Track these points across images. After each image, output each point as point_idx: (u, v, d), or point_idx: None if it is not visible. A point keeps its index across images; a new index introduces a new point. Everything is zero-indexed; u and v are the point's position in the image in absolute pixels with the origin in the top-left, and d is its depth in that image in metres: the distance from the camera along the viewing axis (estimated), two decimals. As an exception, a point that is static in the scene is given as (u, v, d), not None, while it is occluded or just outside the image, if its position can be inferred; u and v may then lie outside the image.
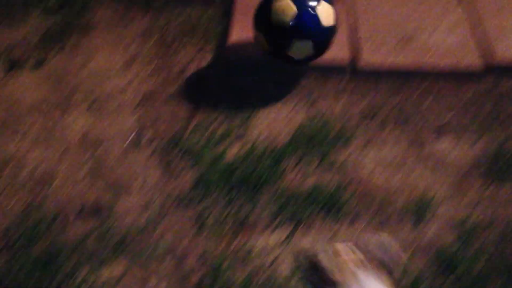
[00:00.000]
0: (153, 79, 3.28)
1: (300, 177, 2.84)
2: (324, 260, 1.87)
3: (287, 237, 2.65)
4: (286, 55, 3.09)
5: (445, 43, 3.32)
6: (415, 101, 3.17)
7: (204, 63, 3.35)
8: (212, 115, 3.10)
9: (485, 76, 3.23)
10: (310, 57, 3.13)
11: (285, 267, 2.57)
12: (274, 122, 3.08)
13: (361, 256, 1.86)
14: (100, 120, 3.10)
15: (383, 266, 1.85)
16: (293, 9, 3.01)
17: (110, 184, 2.84)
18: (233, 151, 2.95)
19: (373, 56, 3.27)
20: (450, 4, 3.54)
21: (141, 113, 3.13)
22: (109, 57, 3.40)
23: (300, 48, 3.07)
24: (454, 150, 2.97)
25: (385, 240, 1.91)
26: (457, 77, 3.24)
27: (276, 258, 2.59)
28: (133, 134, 3.03)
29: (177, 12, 3.62)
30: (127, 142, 3.01)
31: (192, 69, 3.33)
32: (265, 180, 2.81)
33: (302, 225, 2.68)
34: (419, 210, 2.74)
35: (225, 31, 3.44)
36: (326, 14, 3.05)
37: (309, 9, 3.03)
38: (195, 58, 3.37)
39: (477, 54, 3.27)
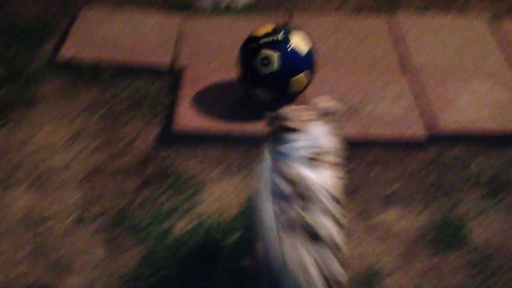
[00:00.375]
0: (99, 154, 3.25)
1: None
2: (285, 111, 2.43)
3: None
4: (291, 93, 3.32)
5: (390, 113, 3.37)
6: (362, 171, 3.18)
7: (151, 137, 3.33)
8: (159, 190, 3.07)
9: (429, 146, 3.28)
10: (306, 84, 3.34)
11: None
12: (223, 195, 3.06)
13: (314, 113, 2.44)
14: (43, 197, 3.04)
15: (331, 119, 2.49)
16: (274, 56, 3.21)
17: (52, 263, 2.77)
18: (181, 226, 2.91)
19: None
20: (395, 75, 3.61)
21: (86, 189, 3.08)
22: (54, 131, 3.36)
23: (297, 82, 3.29)
24: (401, 220, 2.98)
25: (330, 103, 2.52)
26: (402, 146, 3.27)
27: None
28: (77, 211, 2.98)
29: (124, 85, 3.61)
30: (71, 218, 2.95)
31: (139, 142, 3.30)
32: (215, 255, 2.77)
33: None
34: (368, 282, 2.72)
35: (173, 104, 3.43)
36: (300, 43, 3.27)
37: (287, 48, 3.24)
38: (142, 132, 3.35)
39: (421, 124, 3.32)
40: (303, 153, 2.32)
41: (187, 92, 3.46)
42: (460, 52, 3.79)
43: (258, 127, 3.22)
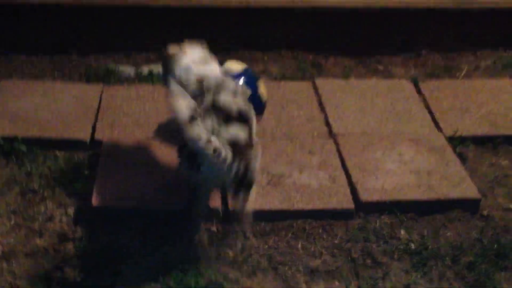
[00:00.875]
0: (15, 233, 3.08)
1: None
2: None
3: None
4: None
5: (315, 182, 3.31)
6: (287, 244, 3.10)
7: (69, 214, 3.19)
8: (78, 269, 2.93)
9: (356, 215, 3.22)
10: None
11: None
12: (144, 271, 2.93)
13: None
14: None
15: None
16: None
17: None
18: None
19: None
20: (319, 141, 3.56)
21: (2, 270, 2.91)
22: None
23: None
24: (328, 294, 2.90)
25: None
26: (328, 216, 3.21)
27: None
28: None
29: (41, 160, 3.46)
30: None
31: (57, 220, 3.15)
32: None
33: None
34: None
35: (92, 179, 3.31)
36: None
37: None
38: (60, 209, 3.21)
39: (347, 192, 3.27)
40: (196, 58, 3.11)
41: (107, 166, 3.34)
42: (385, 116, 3.79)
43: (178, 200, 3.15)
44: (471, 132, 3.70)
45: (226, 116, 2.81)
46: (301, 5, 4.30)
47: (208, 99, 2.86)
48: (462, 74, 4.30)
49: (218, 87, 2.92)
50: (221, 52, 4.24)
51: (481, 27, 4.50)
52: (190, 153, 2.76)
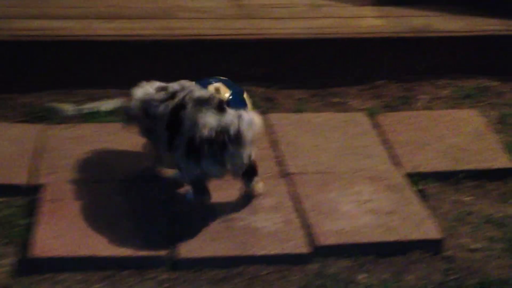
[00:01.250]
0: None
1: None
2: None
3: None
4: None
5: (269, 225, 3.11)
6: (242, 292, 2.90)
7: (5, 266, 2.94)
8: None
9: (313, 259, 3.03)
10: None
11: None
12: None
13: None
14: None
15: None
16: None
17: None
18: None
19: (193, 244, 3.00)
20: (272, 182, 3.37)
21: None
22: None
23: None
24: None
25: None
26: (283, 261, 3.01)
27: None
28: None
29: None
30: None
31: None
32: None
33: None
34: None
35: (30, 228, 3.08)
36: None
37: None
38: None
39: (302, 235, 3.08)
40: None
41: (46, 213, 3.12)
42: (341, 152, 3.62)
43: (123, 250, 2.95)
44: (431, 168, 3.55)
45: (219, 106, 2.99)
46: (251, 36, 4.16)
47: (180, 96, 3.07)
48: (421, 105, 4.16)
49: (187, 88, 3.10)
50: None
51: (439, 56, 4.39)
52: (218, 144, 2.94)
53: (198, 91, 3.10)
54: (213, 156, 2.99)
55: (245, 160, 3.03)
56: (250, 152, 3.04)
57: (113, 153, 3.52)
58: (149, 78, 4.06)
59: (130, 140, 3.57)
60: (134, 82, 4.08)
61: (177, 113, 3.05)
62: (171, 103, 3.08)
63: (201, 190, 3.15)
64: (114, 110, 3.93)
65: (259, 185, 3.23)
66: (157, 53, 4.09)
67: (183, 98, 3.07)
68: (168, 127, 3.09)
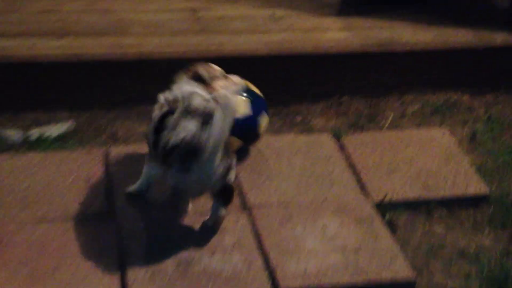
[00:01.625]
0: None
1: None
2: None
3: None
4: None
5: (228, 266, 2.88)
6: None
7: None
8: None
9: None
10: None
11: None
12: None
13: None
14: None
15: None
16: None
17: None
18: None
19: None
20: (232, 217, 3.11)
21: None
22: None
23: None
24: None
25: None
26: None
27: None
28: None
29: None
30: None
31: None
32: None
33: None
34: None
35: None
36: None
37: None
38: None
39: (265, 277, 2.85)
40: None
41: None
42: (304, 180, 3.39)
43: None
44: (401, 196, 3.33)
45: (204, 119, 2.76)
46: (209, 53, 3.89)
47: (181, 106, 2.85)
48: (388, 123, 3.95)
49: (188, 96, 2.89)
50: (115, 108, 3.82)
51: (406, 70, 4.18)
52: (187, 151, 2.76)
53: (196, 100, 2.88)
54: (180, 164, 2.81)
55: (212, 178, 2.83)
56: (225, 171, 2.86)
57: (61, 187, 3.23)
58: (99, 99, 3.85)
59: (80, 170, 3.31)
60: (84, 104, 3.85)
61: (164, 119, 2.87)
62: (164, 109, 2.90)
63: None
64: (63, 135, 3.66)
65: (222, 214, 3.01)
66: (108, 73, 3.81)
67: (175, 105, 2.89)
68: (155, 131, 2.90)
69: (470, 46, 4.20)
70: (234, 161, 2.96)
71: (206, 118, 2.76)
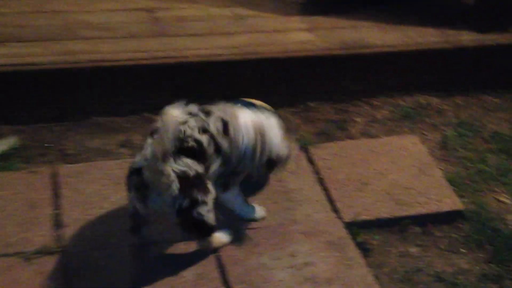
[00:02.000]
0: None
1: None
2: None
3: None
4: None
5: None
6: None
7: None
8: None
9: None
10: None
11: None
12: None
13: None
14: None
15: None
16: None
17: None
18: None
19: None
20: (192, 249, 2.88)
21: None
22: None
23: None
24: None
25: None
26: None
27: None
28: None
29: None
30: None
31: None
32: None
33: None
34: None
35: None
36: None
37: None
38: None
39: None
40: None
41: None
42: (272, 198, 3.18)
43: None
44: (373, 214, 3.15)
45: (180, 147, 2.62)
46: (167, 60, 3.66)
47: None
48: (357, 130, 3.75)
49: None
50: (64, 121, 3.53)
51: (373, 73, 3.99)
52: (141, 182, 2.60)
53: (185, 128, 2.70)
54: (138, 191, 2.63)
55: (169, 208, 2.62)
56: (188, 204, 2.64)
57: (5, 217, 2.97)
58: (46, 112, 3.58)
59: (23, 195, 3.05)
60: (30, 116, 3.57)
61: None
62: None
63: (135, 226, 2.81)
64: (5, 153, 3.38)
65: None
66: (56, 83, 3.54)
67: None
68: None
69: (437, 47, 4.02)
70: (209, 197, 2.70)
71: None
